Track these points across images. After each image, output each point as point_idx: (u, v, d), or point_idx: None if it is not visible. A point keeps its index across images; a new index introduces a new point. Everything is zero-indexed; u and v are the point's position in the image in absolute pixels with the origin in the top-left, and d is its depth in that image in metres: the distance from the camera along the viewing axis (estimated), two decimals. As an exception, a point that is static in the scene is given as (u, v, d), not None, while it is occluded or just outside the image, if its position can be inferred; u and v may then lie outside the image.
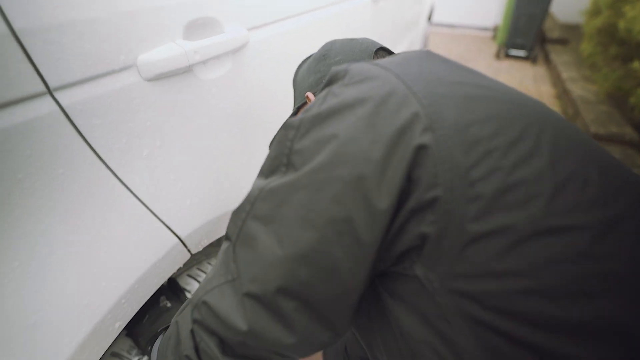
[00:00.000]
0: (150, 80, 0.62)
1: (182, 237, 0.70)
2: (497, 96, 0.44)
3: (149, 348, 0.71)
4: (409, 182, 0.39)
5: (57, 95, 0.50)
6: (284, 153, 0.44)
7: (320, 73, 0.69)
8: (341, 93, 0.44)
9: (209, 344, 0.44)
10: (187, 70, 0.68)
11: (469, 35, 5.97)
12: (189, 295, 0.85)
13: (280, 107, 0.98)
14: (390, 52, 0.70)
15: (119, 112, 0.58)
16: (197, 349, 0.46)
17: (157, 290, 0.79)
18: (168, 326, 0.61)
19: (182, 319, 0.50)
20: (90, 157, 0.56)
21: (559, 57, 4.25)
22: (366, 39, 0.72)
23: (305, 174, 0.41)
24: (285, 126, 0.45)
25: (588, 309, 0.34)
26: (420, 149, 0.38)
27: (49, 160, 0.50)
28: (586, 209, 0.37)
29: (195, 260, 0.94)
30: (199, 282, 0.88)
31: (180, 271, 0.89)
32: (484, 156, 0.38)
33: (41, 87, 0.48)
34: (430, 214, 0.38)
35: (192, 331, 0.47)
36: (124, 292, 0.60)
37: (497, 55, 4.76)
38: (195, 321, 0.46)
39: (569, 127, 0.45)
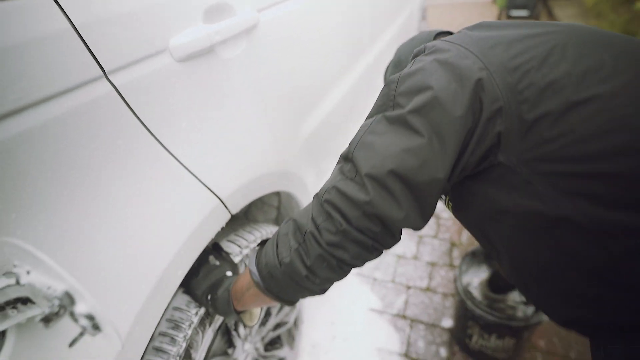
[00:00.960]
0: (181, 61, 0.71)
1: (223, 199, 0.80)
2: (529, 33, 0.64)
3: (207, 296, 0.82)
4: (480, 104, 0.59)
5: (112, 77, 0.60)
6: (390, 98, 0.64)
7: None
8: (423, 60, 0.65)
9: (335, 217, 0.58)
10: (210, 50, 0.77)
11: (469, 2, 5.89)
12: (232, 257, 0.95)
13: (293, 80, 1.06)
14: (446, 33, 0.93)
15: (160, 90, 0.68)
16: (317, 228, 0.60)
17: (205, 252, 0.90)
18: (264, 241, 0.75)
19: (298, 215, 0.65)
20: (141, 130, 0.66)
21: (563, 11, 4.18)
22: (421, 32, 0.99)
23: (409, 104, 0.60)
24: (388, 82, 0.66)
25: (609, 141, 0.54)
26: (480, 80, 0.59)
27: (112, 134, 0.61)
28: (602, 82, 0.56)
29: (232, 229, 1.04)
30: (238, 245, 0.99)
31: (221, 237, 0.99)
32: (524, 74, 0.59)
33: (99, 72, 0.58)
34: (499, 118, 0.59)
35: (312, 217, 0.61)
36: (182, 244, 0.71)
37: (499, 19, 4.70)
38: (325, 201, 0.60)
39: (595, 34, 0.64)
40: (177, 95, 0.72)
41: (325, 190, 0.62)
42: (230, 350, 1.06)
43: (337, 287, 1.81)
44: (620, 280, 0.54)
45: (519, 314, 1.29)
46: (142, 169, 0.65)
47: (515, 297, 1.35)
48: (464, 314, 1.38)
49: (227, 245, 0.99)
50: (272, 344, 1.36)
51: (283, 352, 1.36)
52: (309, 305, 1.68)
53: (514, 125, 0.58)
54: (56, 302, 0.41)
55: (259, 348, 1.25)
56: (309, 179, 1.27)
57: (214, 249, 0.95)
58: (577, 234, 0.56)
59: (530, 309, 1.32)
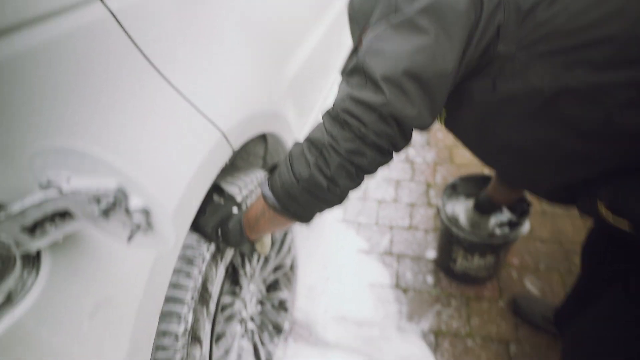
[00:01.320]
0: (169, -12, 0.69)
1: (224, 132, 0.80)
2: None
3: (217, 231, 0.84)
4: (481, 3, 0.64)
5: (106, 0, 0.58)
6: (391, 4, 0.66)
7: None
8: None
9: (352, 124, 0.61)
10: (196, -22, 0.75)
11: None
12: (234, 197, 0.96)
13: (275, 20, 1.05)
14: None
15: (152, 19, 0.66)
16: (334, 139, 0.62)
17: (208, 194, 0.90)
18: (275, 166, 0.75)
19: (310, 135, 0.66)
20: (141, 58, 0.64)
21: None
22: None
23: (413, 7, 0.63)
24: None
25: (599, 11, 0.61)
26: None
27: (114, 61, 0.59)
28: None
29: (228, 173, 1.05)
30: (238, 186, 1.00)
31: (220, 179, 1.00)
32: None
33: (92, -8, 0.56)
34: (499, 11, 0.65)
35: (326, 131, 0.63)
36: (193, 173, 0.71)
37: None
38: (342, 110, 0.62)
39: None
40: (170, 26, 0.70)
41: (339, 100, 0.64)
42: (237, 289, 1.09)
43: (324, 235, 1.88)
44: (615, 131, 0.63)
45: (498, 232, 1.42)
46: (145, 99, 0.64)
47: (494, 220, 1.47)
48: (449, 240, 1.49)
49: (227, 188, 1.00)
50: (273, 286, 1.42)
51: (283, 294, 1.42)
52: (301, 252, 1.73)
53: (512, 16, 0.65)
54: (111, 198, 0.42)
55: (262, 290, 1.29)
56: (294, 123, 1.28)
57: (215, 190, 0.95)
58: (577, 100, 0.64)
59: (506, 229, 1.45)
